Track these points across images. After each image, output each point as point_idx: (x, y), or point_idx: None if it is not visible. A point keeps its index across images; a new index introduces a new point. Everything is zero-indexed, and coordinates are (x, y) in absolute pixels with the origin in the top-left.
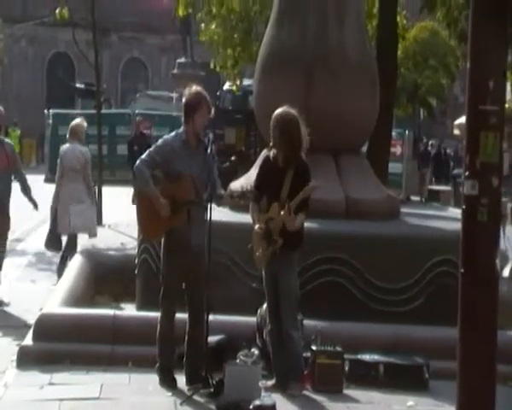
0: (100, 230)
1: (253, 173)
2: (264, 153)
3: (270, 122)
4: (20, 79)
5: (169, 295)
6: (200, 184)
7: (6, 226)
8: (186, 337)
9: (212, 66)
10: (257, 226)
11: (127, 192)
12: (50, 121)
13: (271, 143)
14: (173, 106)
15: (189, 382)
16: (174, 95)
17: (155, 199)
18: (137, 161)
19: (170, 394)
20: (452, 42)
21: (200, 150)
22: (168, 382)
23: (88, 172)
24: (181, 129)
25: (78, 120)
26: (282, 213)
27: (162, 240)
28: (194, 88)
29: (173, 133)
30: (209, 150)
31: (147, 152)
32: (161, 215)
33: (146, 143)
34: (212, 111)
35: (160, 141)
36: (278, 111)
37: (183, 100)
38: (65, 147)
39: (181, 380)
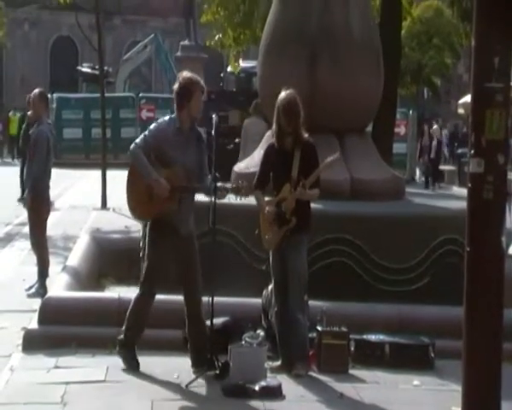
0: (104, 213)
1: (257, 154)
2: (267, 136)
3: (276, 106)
4: (24, 63)
5: (151, 277)
6: (192, 172)
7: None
8: (186, 321)
9: (208, 44)
10: (267, 209)
11: None
12: (54, 105)
13: (275, 127)
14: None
15: (195, 364)
16: (146, 40)
17: (155, 180)
18: (132, 145)
19: (176, 376)
20: (456, 20)
21: (192, 138)
22: (129, 360)
23: None
24: (174, 115)
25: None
26: (296, 190)
27: (148, 223)
28: (186, 73)
29: (166, 118)
30: (213, 132)
31: (141, 136)
32: (159, 195)
33: None
34: (205, 94)
35: (153, 125)
36: (283, 95)
37: (176, 86)
38: None
39: (186, 362)
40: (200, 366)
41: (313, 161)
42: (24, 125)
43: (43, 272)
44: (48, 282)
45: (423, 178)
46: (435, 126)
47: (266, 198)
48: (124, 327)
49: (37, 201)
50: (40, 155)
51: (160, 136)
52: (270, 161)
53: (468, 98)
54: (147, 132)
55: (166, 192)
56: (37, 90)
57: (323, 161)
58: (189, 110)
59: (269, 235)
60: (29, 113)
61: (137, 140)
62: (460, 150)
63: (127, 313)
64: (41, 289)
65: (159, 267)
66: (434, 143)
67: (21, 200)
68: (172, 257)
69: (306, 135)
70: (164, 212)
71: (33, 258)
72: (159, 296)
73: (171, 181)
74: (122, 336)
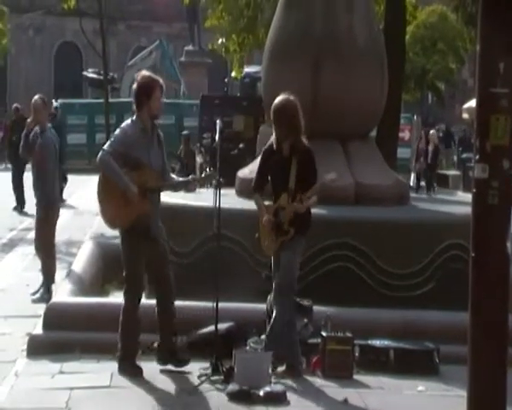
0: None
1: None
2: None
3: (272, 111)
4: (28, 69)
5: (135, 284)
6: (158, 172)
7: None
8: (159, 324)
9: (210, 47)
10: (265, 218)
11: None
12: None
13: (274, 133)
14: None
15: (160, 361)
16: (151, 47)
17: (127, 187)
18: (101, 152)
19: (180, 381)
20: (460, 25)
21: (154, 136)
22: (131, 371)
23: None
24: (134, 117)
25: None
26: (294, 203)
27: (121, 229)
28: (145, 72)
29: (128, 121)
30: (217, 138)
31: (108, 143)
32: (131, 203)
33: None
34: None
35: (118, 131)
36: (279, 99)
37: (135, 86)
38: None
39: (190, 367)
40: (166, 364)
41: (311, 169)
42: (24, 133)
43: (48, 278)
44: (53, 288)
45: (415, 181)
46: (432, 131)
47: (266, 202)
48: (119, 344)
49: (48, 208)
50: (49, 163)
51: (128, 141)
52: (268, 164)
53: (472, 103)
54: (113, 139)
55: (136, 197)
56: (37, 97)
57: (323, 179)
58: (149, 108)
59: (268, 242)
60: (28, 119)
61: (105, 147)
62: (464, 155)
63: (119, 328)
64: (46, 294)
65: (140, 272)
66: (431, 147)
67: (16, 208)
68: (147, 258)
69: (305, 142)
70: (140, 215)
71: (37, 263)
72: None
73: (144, 183)
74: (120, 353)
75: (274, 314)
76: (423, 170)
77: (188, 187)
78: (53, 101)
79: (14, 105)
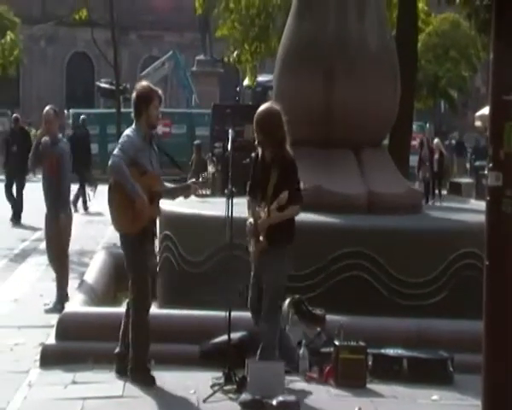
0: None
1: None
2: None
3: (254, 120)
4: (40, 80)
5: (145, 291)
6: (160, 177)
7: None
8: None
9: (225, 59)
10: (247, 222)
11: None
12: (70, 121)
13: (257, 141)
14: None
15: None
16: (165, 58)
17: (137, 194)
18: (113, 158)
19: (193, 391)
20: (473, 33)
21: (152, 144)
22: (144, 379)
23: None
24: (133, 126)
25: None
26: (263, 218)
27: (128, 236)
28: (144, 83)
29: (130, 129)
30: (228, 147)
31: (117, 149)
32: (138, 210)
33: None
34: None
35: (124, 139)
36: (262, 108)
37: (134, 95)
38: None
39: (203, 377)
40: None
41: (291, 180)
42: (34, 144)
43: (61, 288)
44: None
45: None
46: (436, 140)
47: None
48: (131, 354)
49: (59, 219)
50: (66, 173)
51: (135, 146)
52: (256, 174)
53: (485, 110)
54: (121, 145)
55: (146, 204)
56: (49, 108)
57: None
58: (148, 116)
59: (252, 248)
60: (38, 131)
61: (116, 152)
62: (477, 163)
63: (131, 339)
64: (58, 304)
65: (148, 278)
66: (436, 156)
67: (13, 220)
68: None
69: (290, 151)
70: (150, 220)
71: (50, 274)
72: (175, 311)
73: (152, 187)
74: (132, 364)
75: (262, 331)
76: (426, 178)
77: (186, 193)
78: (66, 110)
79: (14, 115)
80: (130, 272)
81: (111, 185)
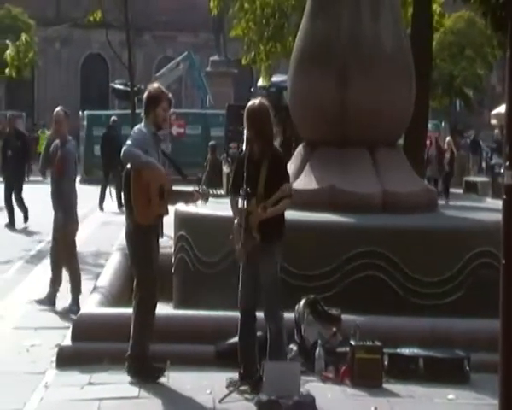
0: None
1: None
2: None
3: (245, 115)
4: (55, 81)
5: (153, 287)
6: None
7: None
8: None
9: (242, 60)
10: (236, 221)
11: None
12: (85, 123)
13: (246, 137)
14: (181, 69)
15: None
16: (179, 59)
17: (154, 165)
18: (125, 147)
19: (208, 391)
20: (489, 31)
21: (159, 145)
22: (157, 371)
23: None
24: (142, 123)
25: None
26: (256, 212)
27: (140, 227)
28: (155, 84)
29: (139, 126)
30: (243, 147)
31: (130, 140)
32: (153, 200)
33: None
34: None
35: (135, 133)
36: (250, 104)
37: (145, 94)
38: None
39: (219, 377)
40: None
41: (281, 175)
42: (45, 145)
43: (75, 290)
44: (80, 299)
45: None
46: (448, 138)
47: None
48: (130, 352)
49: (66, 221)
50: (71, 175)
51: (145, 141)
52: (241, 170)
53: (501, 109)
54: (132, 139)
55: (163, 172)
56: (59, 109)
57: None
58: (155, 116)
59: (238, 246)
60: (48, 132)
61: (129, 142)
62: (493, 161)
63: (132, 338)
64: (74, 306)
65: (155, 278)
66: (448, 154)
67: (8, 225)
68: None
69: (277, 147)
70: (159, 216)
71: (65, 275)
72: (191, 312)
73: (162, 184)
74: (130, 362)
75: (269, 332)
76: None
77: (187, 199)
78: (81, 112)
79: (8, 114)
80: (136, 269)
81: (127, 174)
